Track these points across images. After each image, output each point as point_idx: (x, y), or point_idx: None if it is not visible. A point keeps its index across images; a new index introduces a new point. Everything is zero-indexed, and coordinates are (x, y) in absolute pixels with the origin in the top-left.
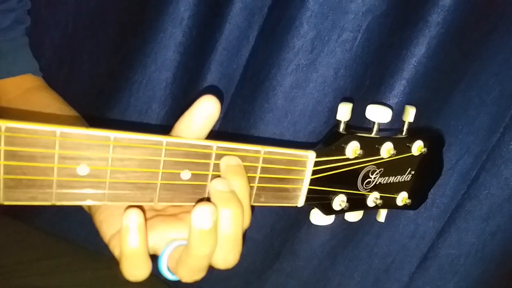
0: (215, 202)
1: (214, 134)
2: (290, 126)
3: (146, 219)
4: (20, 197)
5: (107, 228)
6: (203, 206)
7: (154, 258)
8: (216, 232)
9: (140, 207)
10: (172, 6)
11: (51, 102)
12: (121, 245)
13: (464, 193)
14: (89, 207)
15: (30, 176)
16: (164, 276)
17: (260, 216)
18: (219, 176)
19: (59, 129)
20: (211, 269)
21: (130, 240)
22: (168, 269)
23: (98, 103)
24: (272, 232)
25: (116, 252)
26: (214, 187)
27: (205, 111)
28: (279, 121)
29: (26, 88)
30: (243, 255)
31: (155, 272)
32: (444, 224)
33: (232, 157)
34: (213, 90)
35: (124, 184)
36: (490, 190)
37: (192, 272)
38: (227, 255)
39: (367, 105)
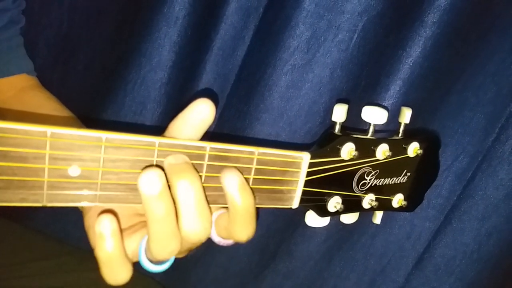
0: (170, 176)
1: (209, 135)
2: (286, 126)
3: (119, 222)
4: (11, 198)
5: (93, 234)
6: (149, 172)
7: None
8: (168, 194)
9: (114, 213)
10: (167, 5)
11: (45, 102)
12: (96, 251)
13: (460, 193)
14: (82, 209)
15: (21, 177)
16: (145, 268)
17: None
18: (213, 177)
19: (50, 129)
20: (206, 270)
21: (104, 246)
22: (149, 259)
23: (93, 102)
24: (268, 233)
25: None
26: (167, 161)
27: (200, 114)
28: (274, 121)
29: (20, 87)
30: (239, 256)
31: (150, 274)
32: (440, 225)
33: (234, 175)
34: (208, 93)
35: (116, 185)
36: (485, 191)
37: (161, 244)
38: (195, 226)
39: (363, 106)
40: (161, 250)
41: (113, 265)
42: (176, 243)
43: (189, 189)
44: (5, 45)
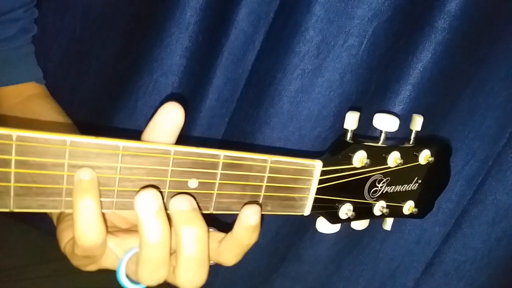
0: (176, 222)
1: (219, 140)
2: (296, 131)
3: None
4: (30, 204)
5: (65, 236)
6: (145, 191)
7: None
8: (165, 218)
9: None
10: (178, 11)
11: (47, 111)
12: (73, 201)
13: (470, 198)
14: (51, 215)
15: (40, 184)
16: (123, 286)
17: (265, 220)
18: (225, 184)
19: (69, 138)
20: (215, 274)
21: (82, 194)
22: (128, 277)
23: (105, 107)
24: (277, 237)
25: (69, 253)
26: (174, 206)
27: (169, 117)
28: (284, 126)
29: (27, 95)
30: (248, 260)
31: None
32: (450, 230)
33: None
34: (176, 97)
35: (132, 193)
36: (496, 196)
37: (150, 268)
38: (193, 277)
39: (373, 111)
40: (149, 276)
41: (89, 218)
42: (165, 272)
43: (195, 239)
44: (15, 54)
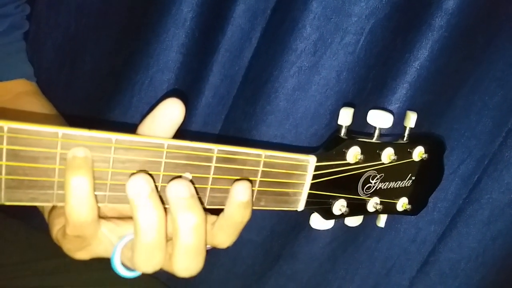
0: (173, 208)
1: (215, 136)
2: (292, 128)
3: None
4: (21, 197)
5: (57, 223)
6: (136, 175)
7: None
8: (158, 202)
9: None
10: (175, 7)
11: (37, 109)
12: (65, 178)
13: (465, 197)
14: (43, 211)
15: (31, 177)
16: (118, 273)
17: (260, 218)
18: (219, 178)
19: (61, 130)
20: (210, 271)
21: (76, 172)
22: (123, 265)
23: (100, 103)
24: (272, 235)
25: (60, 237)
26: (171, 192)
27: (169, 114)
28: (280, 123)
29: (17, 93)
30: (242, 258)
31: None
32: (445, 229)
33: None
34: (178, 93)
35: (125, 186)
36: (491, 195)
37: (146, 254)
38: (190, 264)
39: (369, 109)
40: (145, 262)
41: (79, 194)
42: (161, 258)
43: (193, 227)
44: (5, 50)
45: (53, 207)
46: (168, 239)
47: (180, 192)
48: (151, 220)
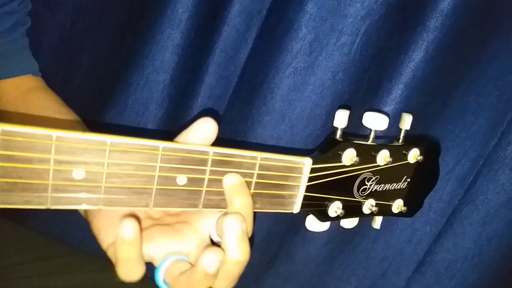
0: (228, 241)
1: None
2: (288, 129)
3: (141, 229)
4: (15, 200)
5: (105, 236)
6: (213, 254)
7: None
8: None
9: (136, 216)
10: (170, 8)
11: (49, 103)
12: (116, 252)
13: (461, 198)
14: (85, 213)
15: (25, 179)
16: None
17: (257, 219)
18: (215, 181)
19: (55, 133)
20: None
21: (125, 249)
22: (165, 281)
23: (96, 104)
24: (269, 236)
25: (114, 259)
26: (230, 228)
27: (202, 132)
28: (276, 124)
29: (26, 88)
30: None
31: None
32: (441, 229)
33: (234, 176)
34: (211, 113)
35: (120, 189)
36: (487, 195)
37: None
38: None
39: (365, 110)
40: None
41: (130, 265)
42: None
43: (240, 264)
44: (11, 47)
45: (94, 215)
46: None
47: (235, 227)
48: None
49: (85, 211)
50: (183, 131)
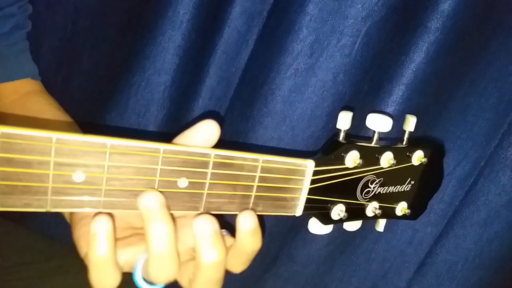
0: (198, 242)
1: None
2: (289, 130)
3: (115, 227)
4: (15, 203)
5: (84, 243)
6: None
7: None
8: (168, 214)
9: (111, 215)
10: (171, 9)
11: (46, 107)
12: (89, 252)
13: (462, 199)
14: (70, 219)
15: (25, 182)
16: (139, 287)
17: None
18: (216, 184)
19: (55, 135)
20: None
21: (97, 247)
22: (144, 279)
23: (97, 105)
24: (270, 237)
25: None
26: (198, 227)
27: (204, 134)
28: (277, 125)
29: (24, 92)
30: None
31: None
32: (442, 230)
33: (250, 219)
34: (213, 115)
35: (120, 192)
36: (488, 196)
37: (158, 266)
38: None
39: (366, 111)
40: (157, 272)
41: (103, 269)
42: (173, 268)
43: (215, 263)
44: (10, 50)
45: (76, 222)
46: (189, 259)
47: (205, 228)
48: (161, 232)
49: (70, 217)
50: (184, 131)
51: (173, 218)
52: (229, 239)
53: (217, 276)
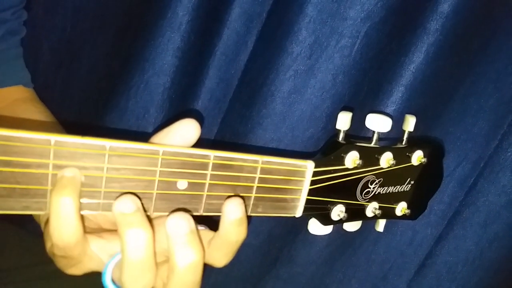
0: (172, 243)
1: (211, 140)
2: (288, 132)
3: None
4: (14, 206)
5: (49, 238)
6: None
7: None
8: (146, 220)
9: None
10: (170, 10)
11: (35, 116)
12: (51, 198)
13: (462, 200)
14: (38, 217)
15: (24, 185)
16: None
17: (258, 222)
18: (216, 185)
19: (53, 137)
20: (207, 275)
21: (61, 193)
22: (113, 280)
23: (96, 107)
24: (270, 238)
25: (51, 254)
26: (171, 227)
27: (184, 133)
28: (277, 127)
29: (14, 99)
30: (240, 261)
31: None
32: (442, 231)
33: (238, 207)
34: (196, 115)
35: (120, 194)
36: (488, 197)
37: (134, 274)
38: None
39: (366, 112)
40: (132, 282)
41: (65, 214)
42: (150, 278)
43: (191, 264)
44: (2, 56)
45: (47, 220)
46: (164, 260)
47: (180, 227)
48: (137, 239)
49: (38, 215)
50: (163, 129)
51: (150, 219)
52: (207, 233)
53: (194, 279)
